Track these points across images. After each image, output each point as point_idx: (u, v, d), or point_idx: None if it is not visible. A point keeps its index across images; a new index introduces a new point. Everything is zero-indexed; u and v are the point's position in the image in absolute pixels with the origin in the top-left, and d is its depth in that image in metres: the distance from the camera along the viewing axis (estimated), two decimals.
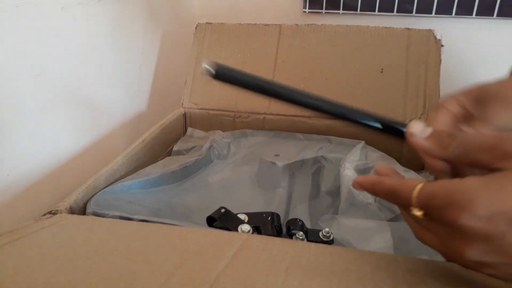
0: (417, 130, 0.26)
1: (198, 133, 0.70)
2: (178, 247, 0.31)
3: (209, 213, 0.41)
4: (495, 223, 0.19)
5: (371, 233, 0.41)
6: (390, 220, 0.44)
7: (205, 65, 0.28)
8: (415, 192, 0.22)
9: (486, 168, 0.22)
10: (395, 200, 0.25)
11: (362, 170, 0.51)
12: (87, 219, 0.38)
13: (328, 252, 0.30)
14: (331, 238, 0.38)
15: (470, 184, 0.20)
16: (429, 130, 0.26)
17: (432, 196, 0.22)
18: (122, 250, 0.30)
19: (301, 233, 0.38)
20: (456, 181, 0.21)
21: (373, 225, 0.42)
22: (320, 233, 0.38)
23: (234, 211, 0.41)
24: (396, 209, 0.46)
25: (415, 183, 0.23)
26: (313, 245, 0.31)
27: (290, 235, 0.39)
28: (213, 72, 0.28)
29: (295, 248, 0.31)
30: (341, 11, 0.80)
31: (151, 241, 0.32)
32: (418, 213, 0.22)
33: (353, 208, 0.46)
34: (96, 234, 0.34)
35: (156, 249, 0.30)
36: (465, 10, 0.76)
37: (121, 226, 0.36)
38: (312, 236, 0.38)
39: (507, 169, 0.20)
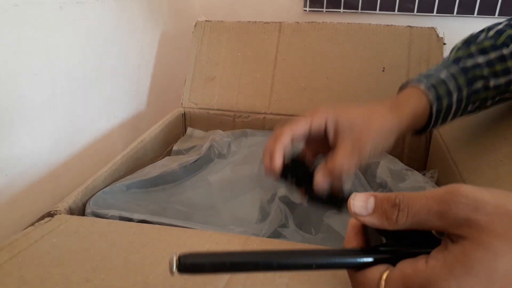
0: (359, 209, 0.24)
1: (198, 133, 0.70)
2: None
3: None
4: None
5: None
6: None
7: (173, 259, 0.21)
8: (382, 282, 0.22)
9: (445, 232, 0.21)
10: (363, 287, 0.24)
11: (363, 169, 0.51)
12: (86, 222, 0.38)
13: None
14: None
15: (436, 272, 0.20)
16: (371, 204, 0.24)
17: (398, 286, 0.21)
18: (120, 267, 0.30)
19: None
20: (421, 267, 0.21)
21: None
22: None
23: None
24: None
25: (381, 272, 0.22)
26: None
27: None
28: (176, 268, 0.20)
29: None
30: (341, 10, 0.80)
31: (150, 254, 0.32)
32: None
33: None
34: (95, 246, 0.33)
35: (155, 265, 0.30)
36: (466, 9, 0.75)
37: (120, 233, 0.35)
38: None
39: (466, 238, 0.20)
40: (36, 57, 0.46)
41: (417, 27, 0.65)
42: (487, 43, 0.42)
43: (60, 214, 0.39)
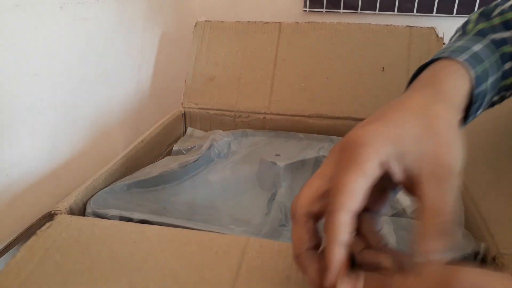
0: None
1: (198, 133, 0.70)
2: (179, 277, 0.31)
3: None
4: None
5: None
6: (393, 215, 0.44)
7: None
8: None
9: None
10: None
11: None
12: (86, 226, 0.38)
13: None
14: None
15: None
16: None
17: None
18: (124, 285, 0.30)
19: None
20: None
21: None
22: None
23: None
24: (398, 205, 0.45)
25: None
26: None
27: None
28: None
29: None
30: (341, 10, 0.80)
31: (152, 271, 0.32)
32: None
33: None
34: (97, 260, 0.33)
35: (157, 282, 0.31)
36: (466, 9, 0.75)
37: (120, 241, 0.35)
38: None
39: None
40: (36, 57, 0.46)
41: (416, 27, 0.66)
42: (510, 15, 0.34)
43: (60, 214, 0.39)
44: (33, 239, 0.36)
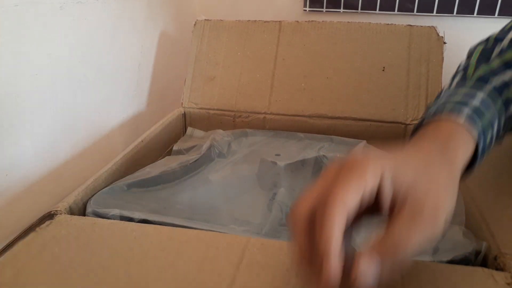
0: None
1: (198, 132, 0.70)
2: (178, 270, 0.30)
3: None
4: None
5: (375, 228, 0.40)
6: None
7: None
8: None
9: None
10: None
11: None
12: (87, 225, 0.37)
13: None
14: None
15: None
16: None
17: None
18: (123, 277, 0.30)
19: None
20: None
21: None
22: None
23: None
24: None
25: None
26: None
27: None
28: None
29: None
30: (341, 10, 0.80)
31: (151, 266, 0.32)
32: None
33: None
34: (95, 254, 0.33)
35: (157, 279, 0.30)
36: (466, 9, 0.75)
37: (120, 238, 0.35)
38: None
39: None
40: (36, 57, 0.46)
41: (417, 26, 0.65)
42: (509, 55, 0.35)
43: (60, 214, 0.39)
44: (31, 235, 0.36)
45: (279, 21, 0.70)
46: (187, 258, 0.32)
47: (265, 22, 0.71)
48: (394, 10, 0.78)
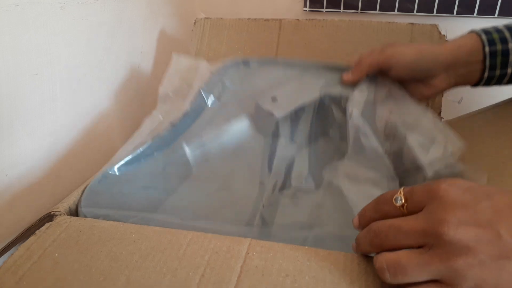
0: None
1: (185, 62, 0.63)
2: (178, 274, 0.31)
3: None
4: (469, 194, 0.24)
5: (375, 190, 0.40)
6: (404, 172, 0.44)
7: None
8: (400, 190, 0.28)
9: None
10: (379, 206, 0.29)
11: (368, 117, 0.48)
12: (86, 224, 0.37)
13: (328, 269, 0.30)
14: None
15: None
16: None
17: (413, 189, 0.28)
18: (123, 282, 0.30)
19: None
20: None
21: (377, 177, 0.41)
22: None
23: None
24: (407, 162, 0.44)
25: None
26: (313, 263, 0.31)
27: None
28: None
29: (295, 266, 0.31)
30: (341, 10, 0.80)
31: (151, 270, 0.32)
32: (402, 200, 0.27)
33: (360, 155, 0.44)
34: (96, 259, 0.33)
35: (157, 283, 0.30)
36: (466, 9, 0.75)
37: (121, 244, 0.35)
38: None
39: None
40: (36, 57, 0.46)
41: (418, 24, 0.65)
42: None
43: (60, 215, 0.39)
44: (31, 238, 0.35)
45: (280, 20, 0.70)
46: (187, 263, 0.32)
47: (265, 20, 0.71)
48: (394, 10, 0.78)
